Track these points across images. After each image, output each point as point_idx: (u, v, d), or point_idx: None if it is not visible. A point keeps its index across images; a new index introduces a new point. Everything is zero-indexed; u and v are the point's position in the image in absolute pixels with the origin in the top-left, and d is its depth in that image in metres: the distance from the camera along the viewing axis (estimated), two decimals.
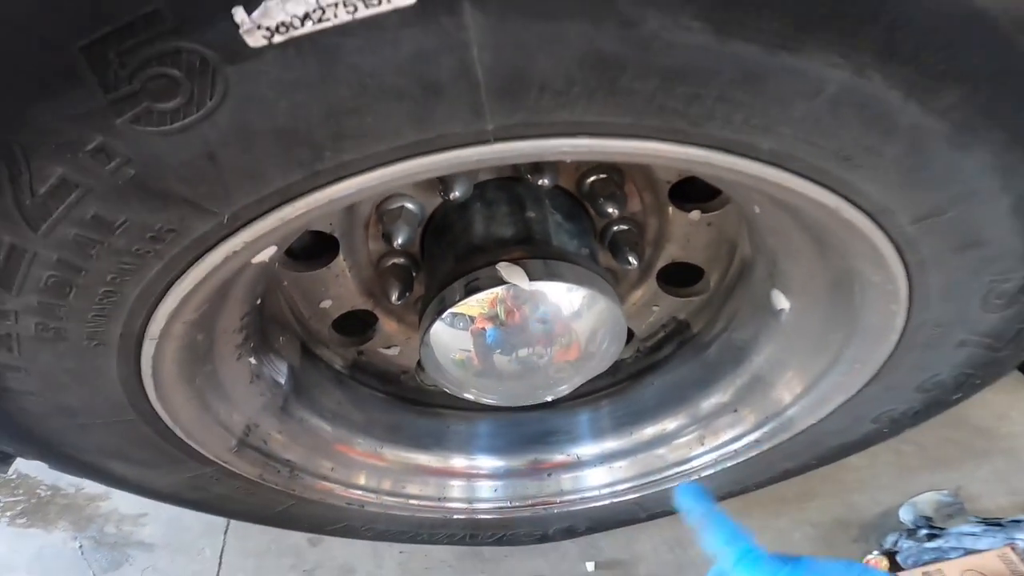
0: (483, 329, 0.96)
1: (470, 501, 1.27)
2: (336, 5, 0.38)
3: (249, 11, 0.38)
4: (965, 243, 0.64)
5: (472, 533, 1.35)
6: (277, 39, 0.39)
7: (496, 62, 0.43)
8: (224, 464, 0.97)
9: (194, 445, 0.89)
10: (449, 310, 0.94)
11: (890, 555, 1.49)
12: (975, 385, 0.94)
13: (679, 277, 1.22)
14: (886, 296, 0.73)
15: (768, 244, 0.96)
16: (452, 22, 0.40)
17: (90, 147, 0.46)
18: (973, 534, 1.42)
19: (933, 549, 1.43)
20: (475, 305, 0.94)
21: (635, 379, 1.32)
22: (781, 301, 0.97)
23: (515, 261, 0.93)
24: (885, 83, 0.47)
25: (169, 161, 0.48)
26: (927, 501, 1.56)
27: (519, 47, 0.42)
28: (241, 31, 0.39)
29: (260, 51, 0.40)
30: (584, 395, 1.33)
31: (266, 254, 0.70)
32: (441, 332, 0.96)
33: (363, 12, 0.38)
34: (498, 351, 0.99)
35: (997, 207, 0.59)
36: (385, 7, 0.38)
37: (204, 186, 0.50)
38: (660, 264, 1.18)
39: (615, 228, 1.12)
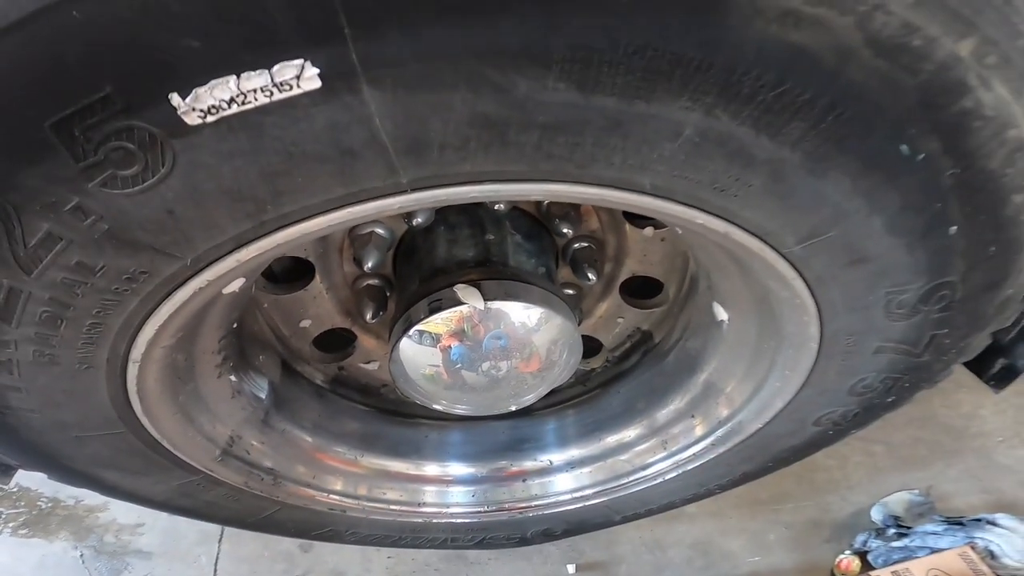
0: (447, 346, 1.05)
1: (448, 506, 1.35)
2: (255, 91, 0.46)
3: (183, 96, 0.47)
4: (853, 259, 0.71)
5: (453, 537, 1.42)
6: (210, 119, 0.48)
7: (397, 128, 0.51)
8: (210, 472, 1.05)
9: (180, 455, 0.98)
10: (415, 328, 1.02)
11: (862, 555, 1.53)
12: (906, 388, 0.99)
13: (643, 290, 1.29)
14: (797, 309, 0.80)
15: (701, 260, 1.03)
16: (355, 99, 0.48)
17: (69, 207, 0.55)
18: (936, 533, 1.45)
19: (901, 548, 1.47)
20: (438, 323, 1.02)
21: (604, 388, 1.39)
22: (721, 312, 1.05)
23: (472, 282, 1.02)
24: (734, 121, 0.54)
25: (135, 217, 0.57)
26: (898, 501, 1.60)
27: (414, 115, 0.50)
28: (178, 112, 0.48)
29: (198, 128, 0.49)
30: (557, 404, 1.40)
31: (235, 286, 0.79)
32: (408, 349, 1.04)
33: (278, 96, 0.47)
34: (462, 366, 1.07)
35: (871, 226, 0.66)
36: (296, 92, 0.47)
37: (167, 236, 0.59)
38: (622, 278, 1.25)
39: (575, 246, 1.20)
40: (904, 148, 0.59)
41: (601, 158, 0.57)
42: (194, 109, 0.47)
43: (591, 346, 1.34)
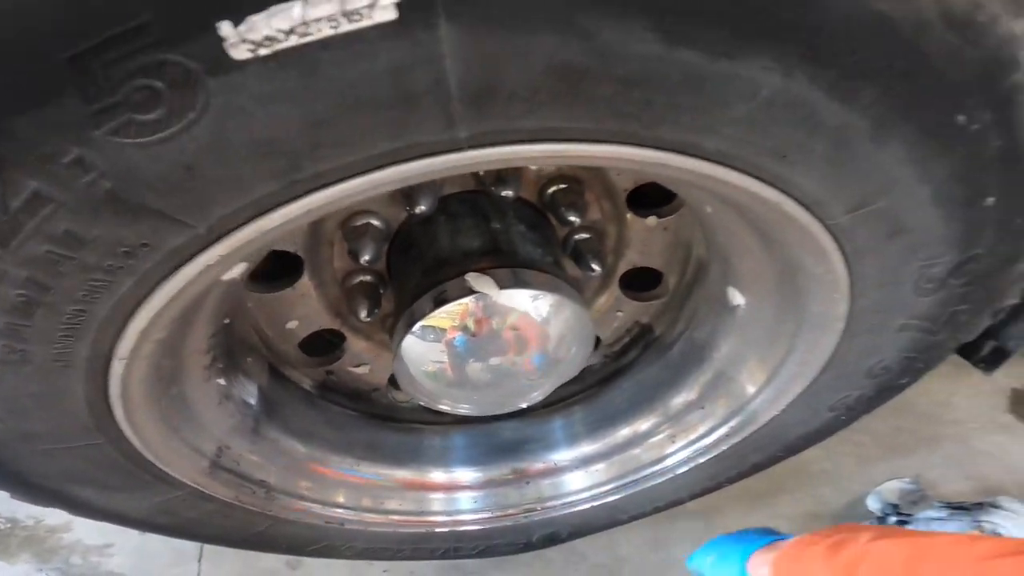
0: (454, 340, 0.99)
1: (451, 513, 1.27)
2: (320, 20, 0.40)
3: (235, 24, 0.40)
4: (894, 231, 0.71)
5: (455, 546, 1.35)
6: (261, 52, 0.41)
7: (468, 73, 0.46)
8: (196, 486, 0.94)
9: (165, 468, 0.87)
10: (419, 323, 0.96)
11: None
12: (919, 369, 1.01)
13: (640, 282, 1.28)
14: (828, 286, 0.79)
15: (720, 243, 1.02)
16: (428, 36, 0.43)
17: (67, 159, 0.46)
18: (940, 519, 1.48)
19: None
20: (445, 317, 0.96)
21: (604, 384, 1.35)
22: (736, 297, 1.03)
23: (483, 271, 0.96)
24: (810, 85, 0.52)
25: (146, 173, 0.48)
26: (891, 489, 1.62)
27: (490, 59, 0.46)
28: (226, 44, 0.41)
29: (243, 64, 0.42)
30: (556, 402, 1.36)
31: (236, 271, 0.70)
32: (413, 345, 0.98)
33: (345, 27, 0.41)
34: (470, 361, 1.01)
35: (919, 196, 0.66)
36: (366, 22, 0.41)
37: (180, 198, 0.51)
38: (621, 270, 1.22)
39: (576, 237, 1.17)
40: (961, 118, 0.59)
41: (670, 118, 0.54)
42: (244, 40, 0.40)
43: None
